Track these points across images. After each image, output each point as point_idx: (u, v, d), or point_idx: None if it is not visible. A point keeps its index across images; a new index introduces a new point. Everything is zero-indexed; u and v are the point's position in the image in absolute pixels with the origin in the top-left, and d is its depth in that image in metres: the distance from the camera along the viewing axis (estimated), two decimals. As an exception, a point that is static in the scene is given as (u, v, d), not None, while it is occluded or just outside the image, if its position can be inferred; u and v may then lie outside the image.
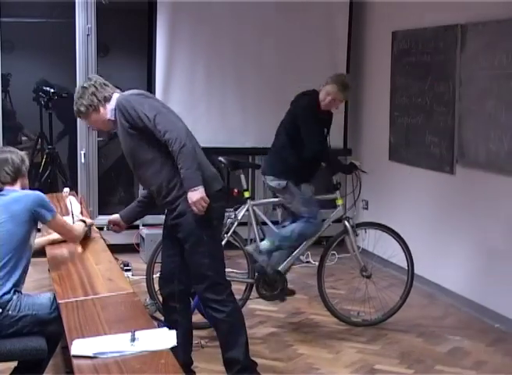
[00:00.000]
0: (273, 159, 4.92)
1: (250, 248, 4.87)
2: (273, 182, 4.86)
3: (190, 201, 3.54)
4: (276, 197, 5.03)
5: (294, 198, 4.82)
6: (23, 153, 3.73)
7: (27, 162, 3.72)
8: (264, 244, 4.82)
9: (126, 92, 3.75)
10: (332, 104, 4.87)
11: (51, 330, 3.44)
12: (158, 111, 3.60)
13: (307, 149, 4.73)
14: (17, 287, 3.45)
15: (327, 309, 5.07)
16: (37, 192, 3.61)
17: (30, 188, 3.76)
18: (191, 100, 6.58)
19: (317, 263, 5.12)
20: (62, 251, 4.00)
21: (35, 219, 3.52)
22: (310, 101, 4.84)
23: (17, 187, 3.62)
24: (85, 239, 4.23)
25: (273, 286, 4.91)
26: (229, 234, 4.81)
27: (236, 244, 4.94)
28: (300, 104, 4.87)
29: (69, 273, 3.59)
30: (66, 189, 5.47)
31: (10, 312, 3.36)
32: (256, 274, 4.90)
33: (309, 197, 4.85)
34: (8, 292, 3.38)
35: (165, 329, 2.82)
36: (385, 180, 6.59)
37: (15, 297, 3.41)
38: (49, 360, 3.63)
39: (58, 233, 3.87)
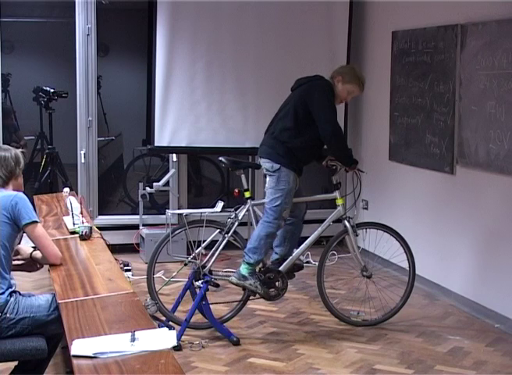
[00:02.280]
0: (272, 143, 4.84)
1: (233, 278, 4.73)
2: (267, 164, 4.81)
3: None
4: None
5: (277, 183, 4.75)
6: (19, 152, 3.64)
7: (23, 163, 3.64)
8: (243, 269, 4.72)
9: None
10: (346, 99, 5.00)
11: (50, 331, 3.43)
12: None
13: (324, 133, 4.70)
14: (11, 288, 3.44)
15: (327, 309, 5.07)
16: (19, 193, 3.52)
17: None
18: (191, 100, 6.58)
19: (317, 263, 5.12)
20: (62, 251, 4.00)
21: (14, 219, 3.44)
22: (329, 86, 4.85)
23: (9, 188, 3.56)
24: (85, 239, 4.24)
25: (274, 286, 4.90)
26: (229, 234, 4.81)
27: (237, 244, 4.94)
28: (320, 84, 4.83)
29: (69, 273, 3.59)
30: (66, 189, 5.47)
31: (8, 314, 3.35)
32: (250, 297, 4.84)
33: (290, 188, 4.76)
34: (2, 293, 3.37)
35: (165, 329, 2.82)
36: (385, 180, 6.59)
37: (12, 299, 3.40)
38: (49, 360, 3.63)
39: (36, 244, 3.59)
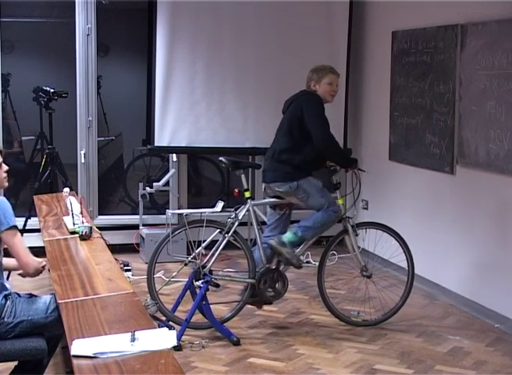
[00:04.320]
0: (275, 166, 4.87)
1: (273, 241, 4.80)
2: (282, 187, 4.82)
3: None
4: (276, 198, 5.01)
5: (309, 193, 4.80)
6: None
7: None
8: (287, 237, 4.79)
9: None
10: (333, 90, 4.92)
11: (50, 332, 3.43)
12: None
13: (317, 138, 4.73)
14: (5, 291, 3.42)
15: (327, 309, 5.07)
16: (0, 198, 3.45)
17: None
18: (191, 100, 6.58)
19: (317, 263, 5.12)
20: (62, 251, 4.00)
21: None
22: (315, 95, 4.86)
23: None
24: (85, 239, 4.24)
25: (274, 286, 4.90)
26: (229, 234, 4.80)
27: (237, 244, 4.93)
28: (307, 97, 4.86)
29: (69, 273, 3.59)
30: (66, 189, 5.47)
31: (6, 318, 3.34)
32: (282, 266, 4.89)
33: (318, 186, 4.84)
34: None
35: (165, 329, 2.82)
36: (385, 180, 6.59)
37: (8, 302, 3.38)
38: (49, 360, 3.63)
39: (11, 250, 3.46)
